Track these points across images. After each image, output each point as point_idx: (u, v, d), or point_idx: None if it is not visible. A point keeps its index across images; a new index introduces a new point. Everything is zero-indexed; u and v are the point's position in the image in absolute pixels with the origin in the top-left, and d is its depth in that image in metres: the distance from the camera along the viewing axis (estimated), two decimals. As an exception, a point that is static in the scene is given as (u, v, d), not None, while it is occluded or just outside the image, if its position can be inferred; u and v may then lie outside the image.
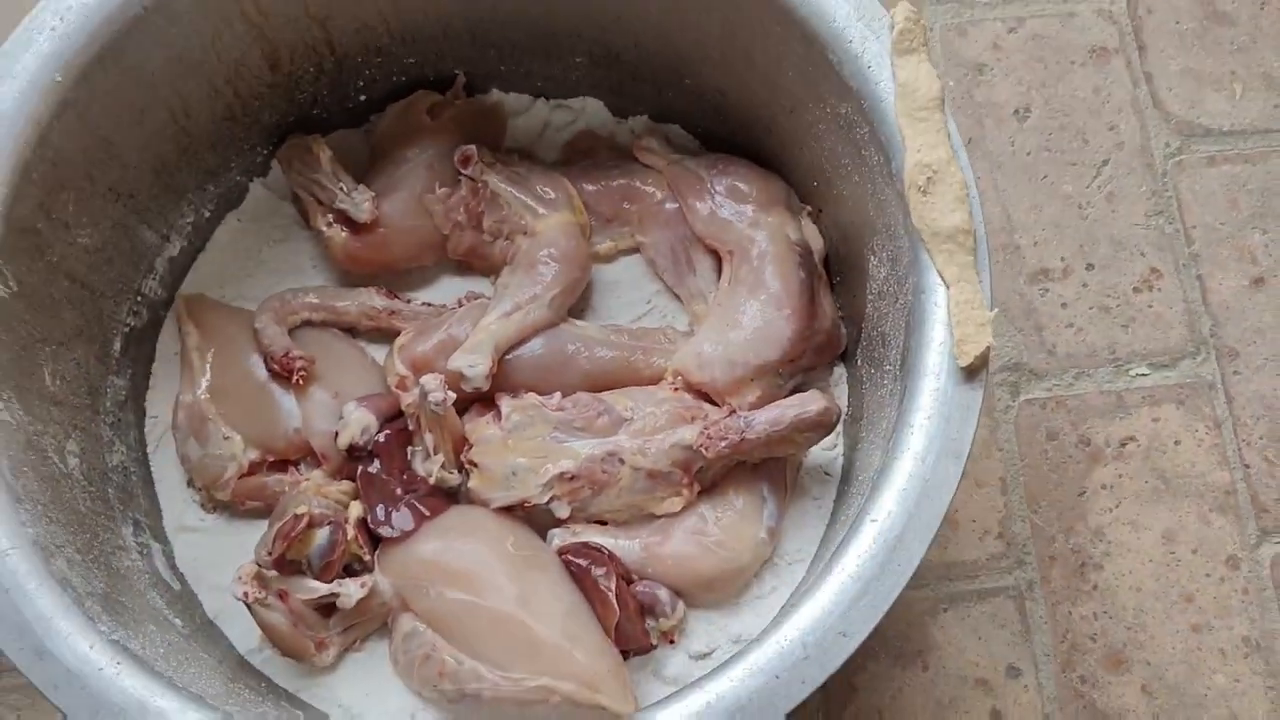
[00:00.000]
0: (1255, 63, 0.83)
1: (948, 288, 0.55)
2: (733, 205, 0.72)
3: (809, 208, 0.72)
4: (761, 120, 0.71)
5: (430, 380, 0.65)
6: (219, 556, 0.68)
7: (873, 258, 0.64)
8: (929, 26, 0.82)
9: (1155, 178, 0.81)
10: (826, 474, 0.69)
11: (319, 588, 0.64)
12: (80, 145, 0.59)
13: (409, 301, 0.73)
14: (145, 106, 0.63)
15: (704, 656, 0.65)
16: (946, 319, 0.54)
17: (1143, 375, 0.77)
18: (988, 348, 0.52)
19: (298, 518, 0.64)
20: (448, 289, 0.75)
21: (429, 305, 0.73)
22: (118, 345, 0.67)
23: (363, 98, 0.75)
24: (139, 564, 0.62)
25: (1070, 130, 0.82)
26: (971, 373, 0.53)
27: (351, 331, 0.73)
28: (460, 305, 0.73)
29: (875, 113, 0.58)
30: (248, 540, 0.68)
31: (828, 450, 0.70)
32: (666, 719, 0.51)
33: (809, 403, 0.64)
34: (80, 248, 0.62)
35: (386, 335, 0.73)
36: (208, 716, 0.47)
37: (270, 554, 0.64)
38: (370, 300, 0.72)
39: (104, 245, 0.64)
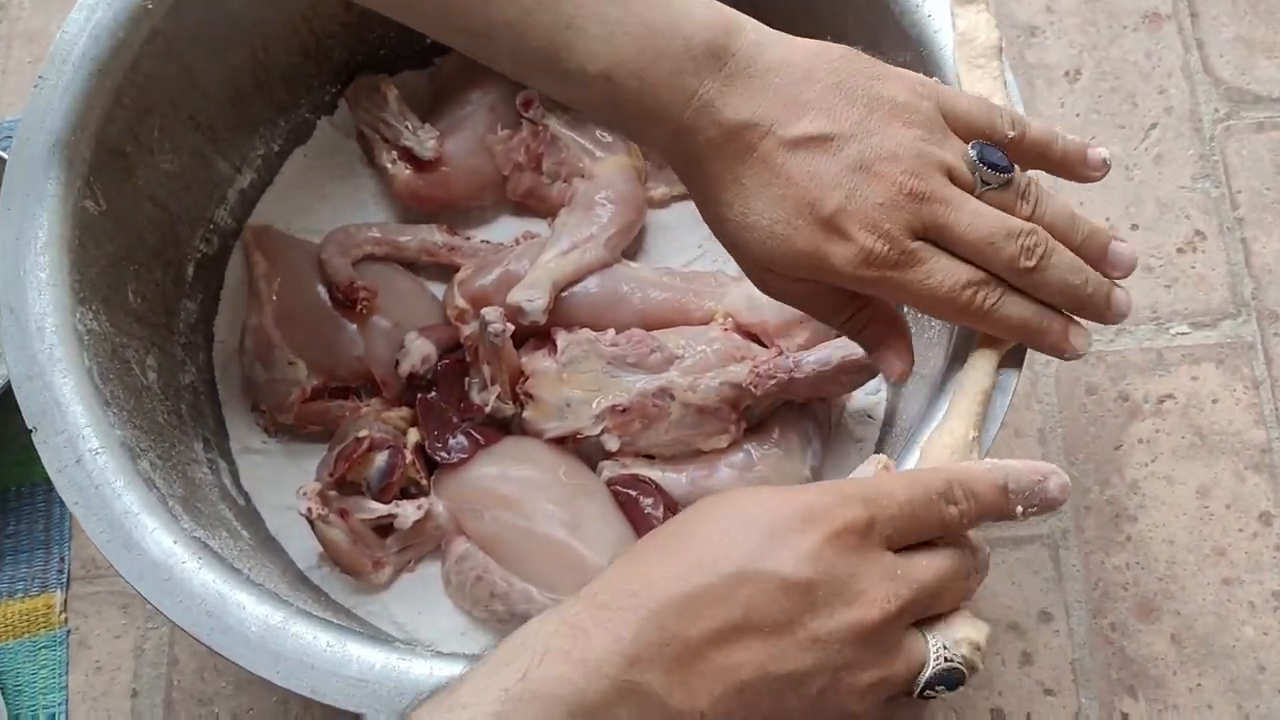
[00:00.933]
0: (1307, 31, 0.83)
1: None
2: (786, 153, 0.73)
3: (862, 157, 0.74)
4: (818, 69, 0.72)
5: (491, 312, 0.67)
6: (280, 477, 0.71)
7: (923, 203, 0.65)
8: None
9: (1203, 142, 0.82)
10: (869, 417, 0.71)
11: (377, 508, 0.66)
12: (167, 73, 0.62)
13: (468, 239, 0.75)
14: (228, 40, 0.65)
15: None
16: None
17: (1183, 334, 0.78)
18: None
19: (359, 441, 0.67)
20: (505, 229, 0.77)
21: (488, 243, 0.75)
22: (190, 270, 0.70)
23: (429, 40, 0.77)
24: (209, 478, 0.64)
25: (1120, 93, 0.83)
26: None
27: (411, 267, 0.75)
28: (518, 244, 0.75)
29: (933, 61, 0.59)
30: (308, 463, 0.71)
31: (871, 394, 0.71)
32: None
33: (857, 345, 0.65)
34: (162, 173, 0.65)
35: (445, 271, 0.75)
36: (283, 610, 0.50)
37: (331, 474, 0.67)
38: (431, 236, 0.75)
39: (183, 172, 0.67)
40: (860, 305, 0.51)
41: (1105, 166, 0.52)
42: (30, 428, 0.52)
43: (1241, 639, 0.72)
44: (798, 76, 0.48)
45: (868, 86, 0.48)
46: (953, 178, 0.48)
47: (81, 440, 0.52)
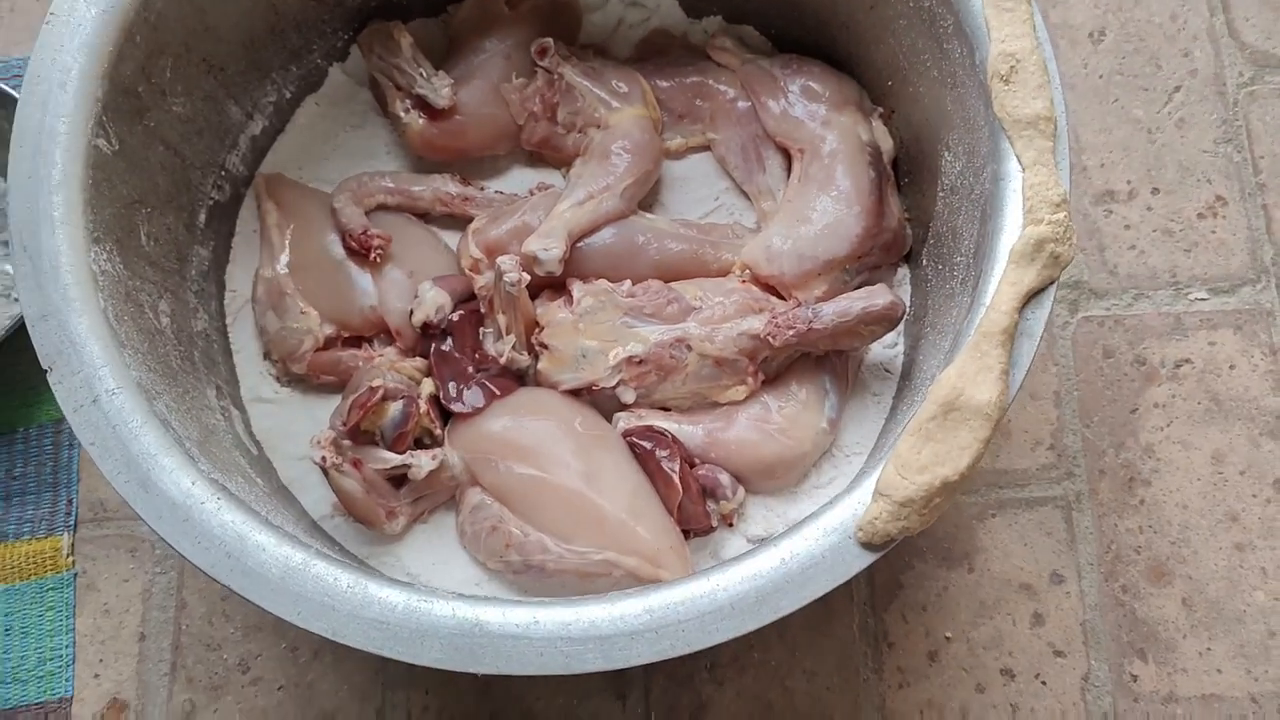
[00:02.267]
0: (1333, -6, 0.82)
1: (1024, 170, 0.55)
2: (806, 104, 0.73)
3: (880, 109, 0.73)
4: (838, 18, 0.71)
5: (506, 261, 0.66)
6: (292, 427, 0.70)
7: (947, 153, 0.65)
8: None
9: (1226, 106, 0.81)
10: (887, 371, 0.71)
11: (391, 458, 0.66)
12: (179, 12, 0.61)
13: (482, 189, 0.75)
14: (241, -19, 0.64)
15: (761, 540, 0.67)
16: (1022, 203, 0.55)
17: (1201, 300, 0.77)
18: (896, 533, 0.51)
19: (373, 390, 0.66)
20: (519, 179, 0.77)
21: (501, 193, 0.75)
22: (203, 217, 0.69)
23: (444, -12, 0.76)
24: (222, 424, 0.64)
25: (1144, 55, 0.82)
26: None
27: (424, 217, 0.75)
28: (532, 195, 0.74)
29: (961, 5, 0.59)
30: (320, 413, 0.71)
31: (889, 348, 0.71)
32: (753, 566, 0.51)
33: (876, 296, 0.65)
34: (174, 115, 0.64)
35: (459, 221, 0.74)
36: (304, 551, 0.49)
37: (345, 423, 0.66)
38: (444, 186, 0.74)
39: (195, 116, 0.66)
40: None
41: None
42: (45, 367, 0.52)
43: (1252, 604, 0.72)
44: None
45: None
46: None
47: (98, 380, 0.52)
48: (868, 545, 0.50)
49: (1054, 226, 0.53)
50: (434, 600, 0.49)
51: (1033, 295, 0.53)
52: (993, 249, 0.55)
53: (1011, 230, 0.54)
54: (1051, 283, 0.53)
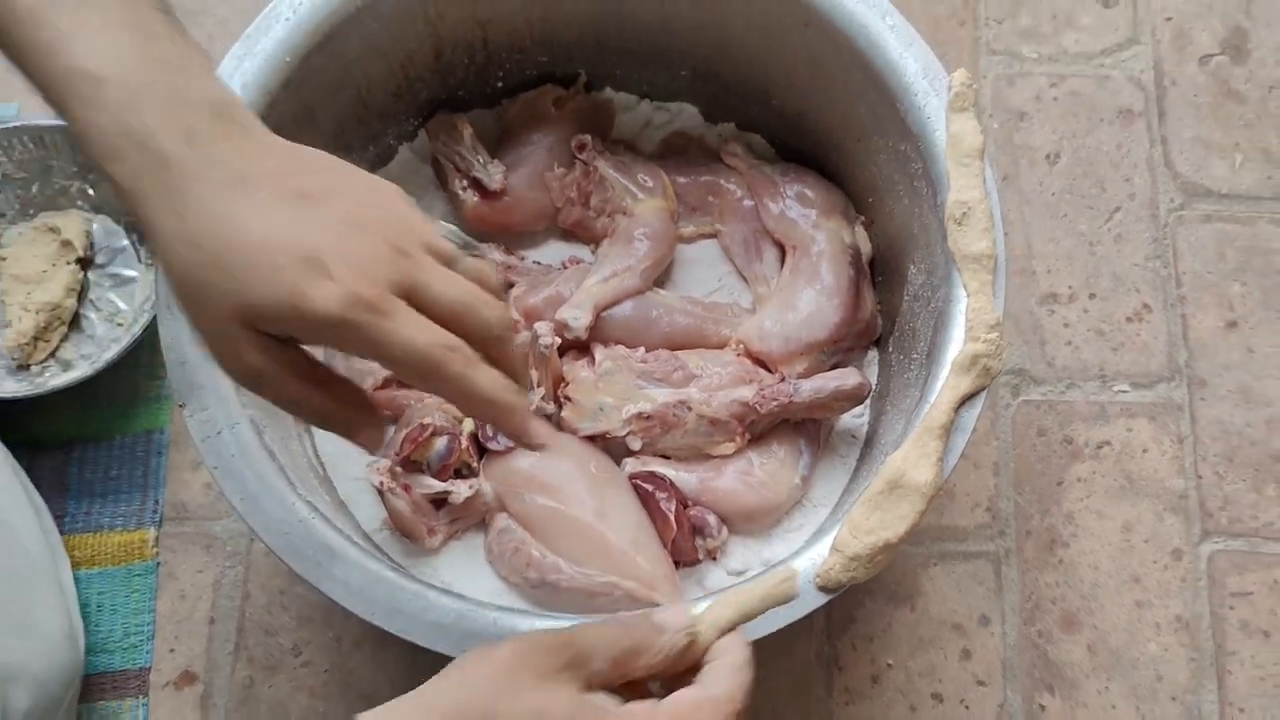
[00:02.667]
0: (1257, 138, 0.96)
1: (968, 296, 0.69)
2: (799, 208, 0.86)
3: (862, 218, 0.86)
4: (832, 141, 0.85)
5: (543, 326, 0.79)
6: (351, 450, 0.81)
7: (913, 267, 0.78)
8: (983, 75, 0.96)
9: (1158, 227, 0.95)
10: (853, 437, 0.84)
11: (435, 485, 0.79)
12: (292, 112, 0.74)
13: (522, 259, 0.88)
14: (340, 84, 0.77)
15: (739, 574, 0.79)
16: (964, 323, 0.69)
17: (1124, 392, 0.91)
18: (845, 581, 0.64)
19: (424, 427, 0.79)
20: (554, 251, 0.89)
21: (538, 264, 0.88)
22: (289, 270, 0.82)
23: (500, 85, 0.89)
24: (299, 449, 0.77)
25: (1092, 178, 0.96)
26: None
27: (472, 279, 0.88)
28: (565, 267, 0.87)
29: (929, 154, 0.72)
30: (374, 441, 0.84)
31: (856, 418, 0.84)
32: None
33: (848, 377, 0.78)
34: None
35: (502, 286, 0.88)
36: (378, 564, 0.63)
37: (398, 454, 0.79)
38: (491, 255, 0.87)
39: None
40: (324, 383, 0.52)
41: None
42: (180, 403, 0.65)
43: (1145, 653, 0.85)
44: (296, 155, 0.51)
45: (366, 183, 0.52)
46: (431, 253, 0.51)
47: (221, 417, 0.65)
48: (824, 589, 0.63)
49: (988, 344, 0.67)
50: (480, 610, 0.62)
51: (967, 398, 0.67)
52: (940, 356, 0.68)
53: (956, 343, 0.68)
54: (983, 389, 0.67)
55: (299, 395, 0.51)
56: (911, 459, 0.65)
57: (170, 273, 0.48)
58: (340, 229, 0.48)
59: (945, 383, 0.67)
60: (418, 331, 0.47)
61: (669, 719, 0.48)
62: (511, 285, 0.86)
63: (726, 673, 0.51)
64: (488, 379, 0.49)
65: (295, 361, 0.50)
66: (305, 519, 0.63)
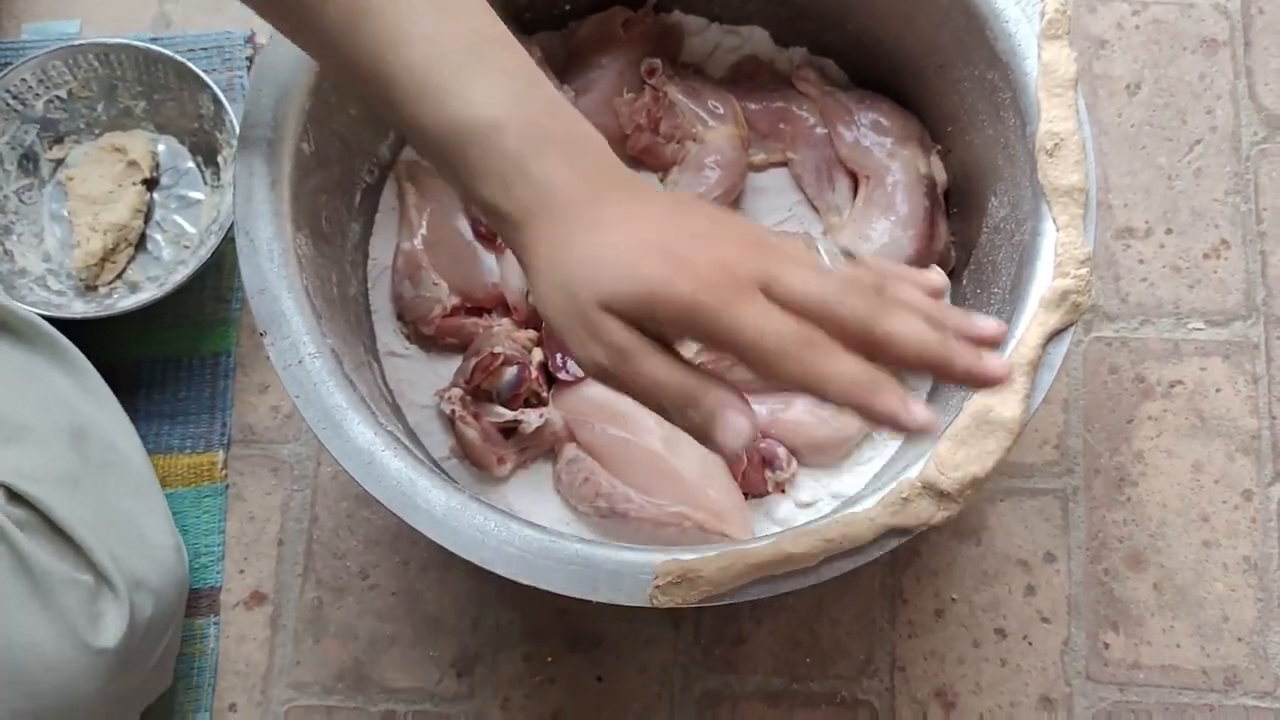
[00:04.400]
0: (1346, 67, 0.93)
1: (1058, 231, 0.68)
2: (874, 137, 0.84)
3: (938, 146, 0.84)
4: (910, 69, 0.83)
5: (614, 257, 0.79)
6: (418, 379, 0.83)
7: (994, 198, 0.76)
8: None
9: (1239, 161, 0.92)
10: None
11: (505, 413, 0.79)
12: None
13: (590, 187, 0.87)
14: None
15: (807, 506, 0.80)
16: (1053, 257, 0.67)
17: (1198, 330, 0.90)
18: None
19: (494, 355, 0.79)
20: (621, 180, 0.89)
21: (606, 192, 0.87)
22: (358, 198, 0.81)
23: (568, 7, 0.87)
24: (372, 378, 0.77)
25: (1172, 109, 0.93)
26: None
27: (539, 207, 0.87)
28: (633, 196, 0.86)
29: (1019, 83, 0.70)
30: (441, 369, 0.83)
31: (928, 354, 0.83)
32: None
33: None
34: (350, 117, 0.75)
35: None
36: (459, 495, 0.63)
37: (468, 382, 0.79)
38: (559, 182, 0.86)
39: (362, 115, 0.77)
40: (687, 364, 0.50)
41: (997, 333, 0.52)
42: (261, 331, 0.65)
43: (1212, 593, 0.85)
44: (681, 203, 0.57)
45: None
46: (796, 259, 0.50)
47: (302, 345, 0.65)
48: (907, 527, 0.63)
49: (1077, 280, 0.66)
50: (561, 540, 0.62)
51: (1055, 334, 0.65)
52: (1026, 292, 0.67)
53: (1043, 278, 0.67)
54: (1071, 325, 0.66)
55: (663, 372, 0.49)
56: (998, 394, 0.64)
57: (539, 280, 0.51)
58: (705, 226, 0.50)
59: (1033, 318, 0.66)
60: (769, 320, 0.47)
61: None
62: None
63: None
64: (843, 369, 0.47)
65: (656, 341, 0.49)
66: (387, 448, 0.63)
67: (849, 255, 0.51)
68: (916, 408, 0.48)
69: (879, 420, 0.48)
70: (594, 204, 0.50)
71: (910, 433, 0.52)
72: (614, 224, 0.50)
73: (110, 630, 0.70)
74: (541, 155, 0.51)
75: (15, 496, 0.69)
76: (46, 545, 0.69)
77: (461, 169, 0.52)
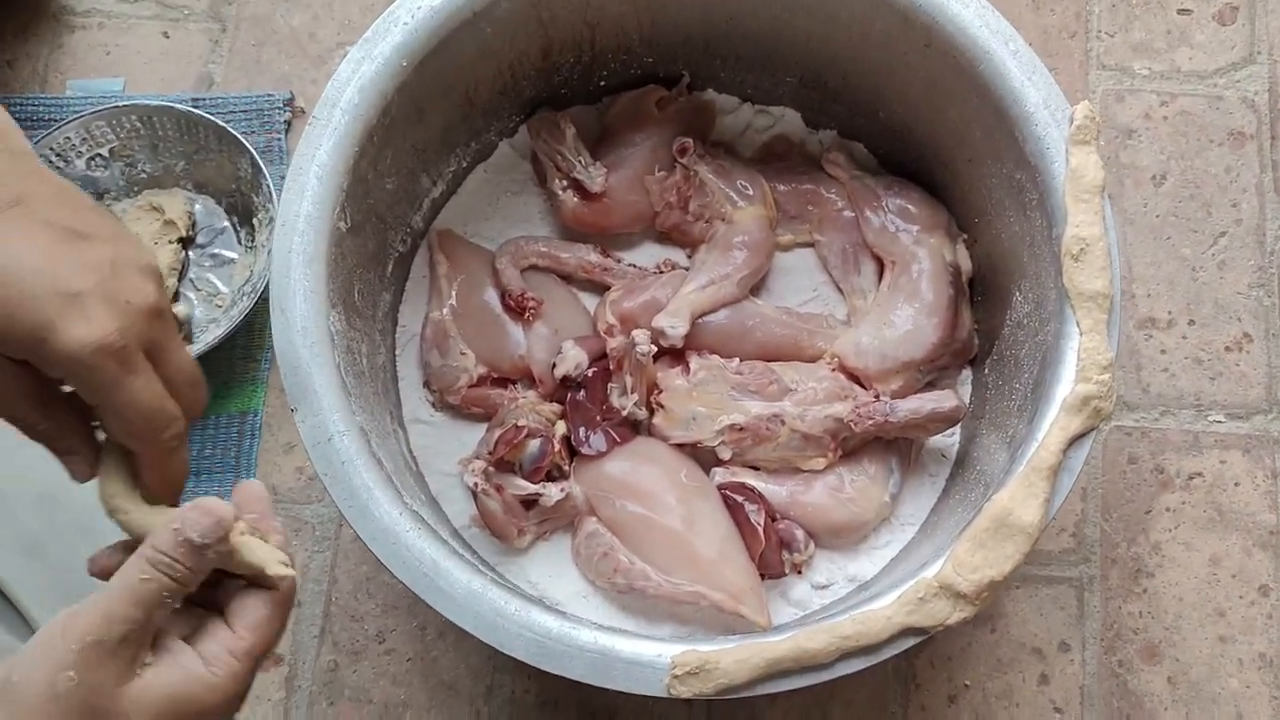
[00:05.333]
0: (1372, 164, 0.94)
1: (1081, 335, 0.68)
2: (901, 223, 0.85)
3: (965, 235, 0.85)
4: (940, 159, 0.84)
5: (641, 334, 0.79)
6: (443, 446, 0.84)
7: (1018, 293, 0.77)
8: (1092, 90, 0.94)
9: (1264, 254, 0.93)
10: (943, 456, 0.83)
11: (527, 486, 0.79)
12: (405, 114, 0.74)
13: (619, 261, 0.88)
14: (451, 84, 0.77)
15: (823, 588, 0.80)
16: (1076, 361, 0.68)
17: (1219, 422, 0.90)
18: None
19: (518, 428, 0.80)
20: (648, 253, 0.89)
21: (634, 266, 0.88)
22: (390, 266, 0.82)
23: (603, 84, 0.89)
24: (397, 446, 0.78)
25: (1198, 201, 0.94)
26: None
27: (567, 279, 0.88)
28: (659, 271, 0.87)
29: (1046, 186, 0.71)
30: (465, 437, 0.84)
31: (948, 438, 0.84)
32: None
33: (945, 400, 0.78)
34: (386, 191, 0.77)
35: (595, 287, 0.87)
36: (481, 579, 0.63)
37: (491, 454, 0.80)
38: (588, 256, 0.87)
39: (398, 189, 0.79)
40: (50, 405, 0.51)
41: None
42: (292, 407, 0.66)
43: (1226, 689, 0.85)
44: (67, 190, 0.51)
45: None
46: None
47: (332, 423, 0.66)
48: (924, 627, 0.63)
49: (1100, 386, 0.66)
50: (580, 628, 0.63)
51: (1076, 439, 0.66)
52: (1049, 394, 0.68)
53: (1066, 382, 0.67)
54: (1092, 430, 0.66)
55: (26, 415, 0.50)
56: (1019, 499, 0.65)
57: None
58: (106, 273, 0.48)
59: (1054, 422, 0.66)
60: (151, 395, 0.48)
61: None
62: (607, 287, 0.86)
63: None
64: (184, 460, 0.51)
65: (26, 380, 0.49)
66: (411, 528, 0.64)
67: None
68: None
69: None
70: None
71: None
72: (6, 221, 0.48)
73: None
74: None
75: None
76: None
77: None
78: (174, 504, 0.53)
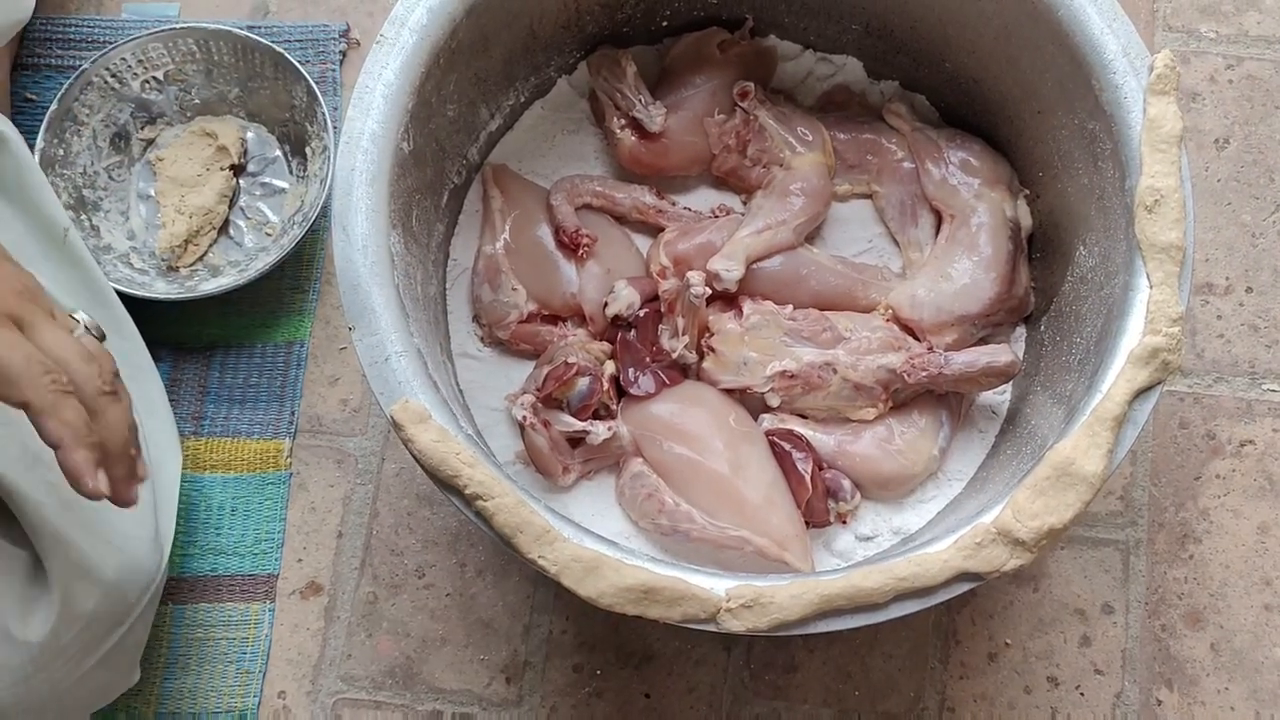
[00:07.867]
0: None
1: (1151, 287, 0.67)
2: (962, 176, 0.84)
3: (1027, 191, 0.84)
4: (1006, 112, 0.82)
5: (695, 276, 0.79)
6: (489, 382, 0.83)
7: (1082, 248, 0.76)
8: (1156, 51, 0.92)
9: (1326, 223, 0.92)
10: (993, 413, 0.83)
11: (574, 424, 0.79)
12: (471, 40, 0.73)
13: (673, 203, 0.87)
14: (517, 14, 0.76)
15: (867, 540, 0.80)
16: (1145, 314, 0.67)
17: (1273, 391, 0.89)
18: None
19: (568, 365, 0.79)
20: (703, 198, 0.88)
21: (688, 209, 0.87)
22: (445, 198, 0.82)
23: (665, 24, 0.87)
24: (447, 378, 0.77)
25: (1260, 166, 0.92)
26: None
27: (621, 219, 0.87)
28: (715, 215, 0.86)
29: (1122, 136, 0.69)
30: (512, 373, 0.84)
31: (999, 394, 0.83)
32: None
33: (1000, 354, 0.77)
34: (447, 119, 0.76)
35: (649, 228, 0.87)
36: (537, 504, 0.63)
37: (540, 390, 0.79)
38: (643, 197, 0.86)
39: (459, 117, 0.78)
40: None
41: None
42: (349, 325, 0.65)
43: (1270, 657, 0.84)
44: None
45: None
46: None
47: (389, 343, 0.65)
48: (979, 572, 0.63)
49: (1169, 339, 0.65)
50: (632, 557, 0.62)
51: (1142, 391, 0.65)
52: (1114, 346, 0.67)
53: (1133, 334, 0.66)
54: (1159, 383, 0.65)
55: None
56: (1081, 448, 0.64)
57: None
58: None
59: (1120, 373, 0.65)
60: (11, 348, 0.53)
61: None
62: (660, 230, 0.85)
63: None
64: (77, 410, 0.54)
65: None
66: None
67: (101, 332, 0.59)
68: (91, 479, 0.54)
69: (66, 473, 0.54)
70: None
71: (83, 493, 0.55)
72: None
73: (38, 621, 0.67)
74: None
75: None
76: None
77: None
78: (123, 473, 0.56)
